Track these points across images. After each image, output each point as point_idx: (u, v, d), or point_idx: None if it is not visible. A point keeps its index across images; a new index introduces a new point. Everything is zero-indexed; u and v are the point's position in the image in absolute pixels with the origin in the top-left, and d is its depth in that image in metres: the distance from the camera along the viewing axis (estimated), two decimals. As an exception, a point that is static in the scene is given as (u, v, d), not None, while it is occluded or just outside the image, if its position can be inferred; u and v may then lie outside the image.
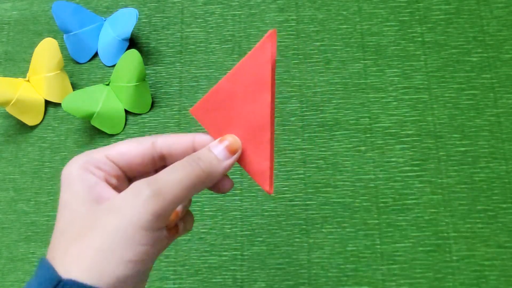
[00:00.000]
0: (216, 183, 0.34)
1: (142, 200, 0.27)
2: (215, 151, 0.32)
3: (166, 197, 0.28)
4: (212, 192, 0.40)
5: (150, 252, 0.28)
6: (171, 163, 0.31)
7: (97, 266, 0.26)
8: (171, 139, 0.33)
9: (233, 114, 0.33)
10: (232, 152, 0.33)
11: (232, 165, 0.33)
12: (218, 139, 0.33)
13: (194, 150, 0.33)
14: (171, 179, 0.29)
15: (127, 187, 0.33)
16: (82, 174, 0.30)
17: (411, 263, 0.54)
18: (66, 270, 0.26)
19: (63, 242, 0.28)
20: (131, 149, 0.33)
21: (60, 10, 0.63)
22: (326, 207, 0.56)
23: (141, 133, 0.61)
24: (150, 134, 0.60)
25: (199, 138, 0.34)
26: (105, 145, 0.61)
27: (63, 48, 0.65)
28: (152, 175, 0.34)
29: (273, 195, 0.34)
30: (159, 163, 0.34)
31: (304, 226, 0.56)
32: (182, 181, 0.29)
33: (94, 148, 0.60)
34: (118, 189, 0.32)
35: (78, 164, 0.31)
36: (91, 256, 0.27)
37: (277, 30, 0.63)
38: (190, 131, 0.60)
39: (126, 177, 0.33)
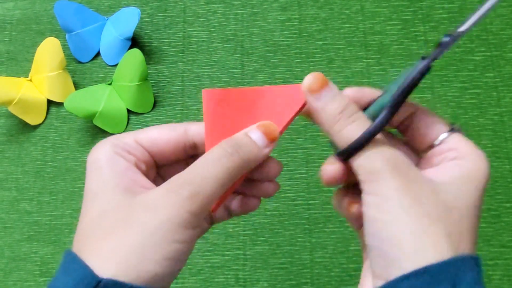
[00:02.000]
0: (262, 168, 0.31)
1: (179, 199, 0.27)
2: (253, 136, 0.30)
3: (204, 195, 0.27)
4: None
5: (187, 249, 0.28)
6: (203, 153, 0.29)
7: (134, 263, 0.25)
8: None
9: (240, 119, 0.31)
10: (271, 139, 0.30)
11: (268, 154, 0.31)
12: (256, 124, 0.31)
13: (188, 139, 0.32)
14: (208, 176, 0.27)
15: (155, 174, 0.33)
16: (112, 158, 0.29)
17: (414, 263, 0.54)
18: (101, 266, 0.25)
19: (94, 235, 0.27)
20: (162, 135, 0.31)
21: (62, 9, 0.63)
22: (329, 206, 0.56)
23: (144, 133, 0.61)
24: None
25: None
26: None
27: (65, 47, 0.64)
28: (182, 163, 0.33)
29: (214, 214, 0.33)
30: (190, 151, 0.32)
31: (306, 226, 0.56)
32: (220, 176, 0.28)
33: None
34: (148, 175, 0.31)
35: (106, 147, 0.30)
36: (128, 253, 0.26)
37: (281, 29, 0.63)
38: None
39: (155, 163, 0.32)
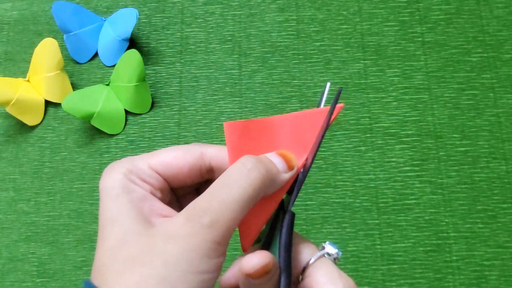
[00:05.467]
0: None
1: (199, 228, 0.26)
2: (273, 159, 0.29)
3: (224, 222, 0.26)
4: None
5: (214, 278, 0.27)
6: (218, 176, 0.28)
7: None
8: (222, 152, 0.30)
9: (262, 151, 0.30)
10: (290, 166, 0.29)
11: (289, 183, 0.30)
12: (274, 152, 0.30)
13: (205, 163, 0.31)
14: (227, 200, 0.26)
15: (171, 198, 0.32)
16: (128, 186, 0.28)
17: (411, 263, 0.54)
18: None
19: (115, 267, 0.26)
20: (178, 159, 0.30)
21: (60, 10, 0.63)
22: (326, 207, 0.56)
23: (141, 133, 0.61)
24: (149, 134, 0.61)
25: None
26: (105, 145, 0.61)
27: (63, 48, 0.64)
28: (197, 187, 0.32)
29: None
30: (206, 175, 0.31)
31: (304, 227, 0.56)
32: (239, 198, 0.26)
33: (95, 148, 0.60)
34: (164, 200, 0.30)
35: (121, 173, 0.29)
36: (153, 285, 0.25)
37: (278, 30, 0.63)
38: (190, 131, 0.60)
39: (170, 187, 0.31)
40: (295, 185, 0.30)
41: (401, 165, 0.57)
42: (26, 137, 0.62)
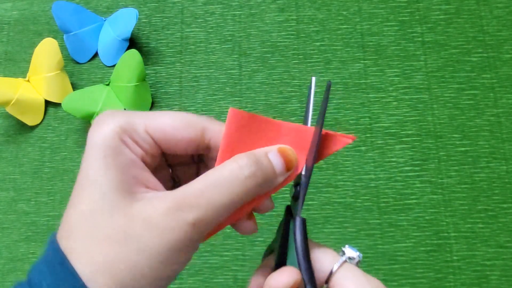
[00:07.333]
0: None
1: (183, 224, 0.25)
2: (272, 158, 0.28)
3: (207, 222, 0.26)
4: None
5: (182, 268, 0.27)
6: (213, 157, 0.28)
7: (128, 282, 0.24)
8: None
9: (260, 146, 0.29)
10: (288, 167, 0.28)
11: (281, 186, 0.29)
12: (277, 146, 0.29)
13: (204, 140, 0.29)
14: (217, 202, 0.26)
15: (160, 162, 0.30)
16: (118, 147, 0.26)
17: (412, 263, 0.54)
18: (90, 278, 0.24)
19: (86, 236, 0.25)
20: (179, 130, 0.28)
21: (60, 10, 0.63)
22: (327, 207, 0.56)
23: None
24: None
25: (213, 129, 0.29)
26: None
27: (63, 48, 0.64)
28: (188, 158, 0.31)
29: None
30: (202, 150, 0.29)
31: (304, 226, 0.56)
32: (228, 203, 0.26)
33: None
34: (151, 166, 0.28)
35: (113, 130, 0.27)
36: (123, 270, 0.24)
37: (278, 30, 0.63)
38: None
39: (162, 156, 0.29)
40: (300, 190, 0.29)
41: (402, 165, 0.57)
42: (26, 137, 0.62)
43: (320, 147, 0.29)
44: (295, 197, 0.30)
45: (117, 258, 0.25)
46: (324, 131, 0.30)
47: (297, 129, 0.30)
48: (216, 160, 0.28)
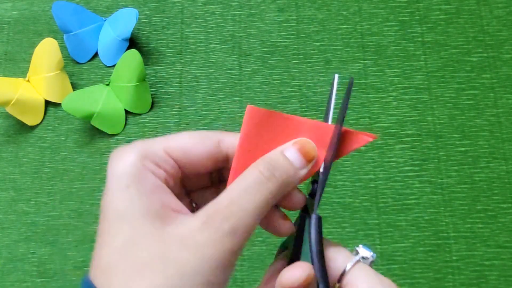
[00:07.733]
0: (287, 198, 0.29)
1: (220, 236, 0.24)
2: (289, 155, 0.28)
3: (244, 230, 0.25)
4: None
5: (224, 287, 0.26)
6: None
7: None
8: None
9: (278, 144, 0.29)
10: (308, 159, 0.28)
11: (307, 177, 0.28)
12: (293, 141, 0.29)
13: (222, 151, 0.29)
14: (249, 207, 0.25)
15: (179, 189, 0.30)
16: (140, 174, 0.26)
17: (411, 263, 0.54)
18: None
19: (122, 270, 0.24)
20: (197, 145, 0.28)
21: (60, 10, 0.63)
22: (326, 207, 0.56)
23: (141, 133, 0.61)
24: (150, 135, 0.61)
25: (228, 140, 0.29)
26: (105, 145, 0.61)
27: (63, 48, 0.64)
28: (206, 176, 0.31)
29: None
30: (220, 164, 0.30)
31: (304, 226, 0.56)
32: (260, 206, 0.26)
33: (95, 148, 0.60)
34: (173, 192, 0.28)
35: (133, 157, 0.26)
36: None
37: (278, 31, 0.63)
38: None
39: (180, 178, 0.29)
40: (316, 188, 0.29)
41: (401, 165, 0.57)
42: (26, 137, 0.62)
43: (339, 144, 0.30)
44: (312, 194, 0.30)
45: (158, 285, 0.24)
46: (344, 128, 0.30)
47: (317, 126, 0.30)
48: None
